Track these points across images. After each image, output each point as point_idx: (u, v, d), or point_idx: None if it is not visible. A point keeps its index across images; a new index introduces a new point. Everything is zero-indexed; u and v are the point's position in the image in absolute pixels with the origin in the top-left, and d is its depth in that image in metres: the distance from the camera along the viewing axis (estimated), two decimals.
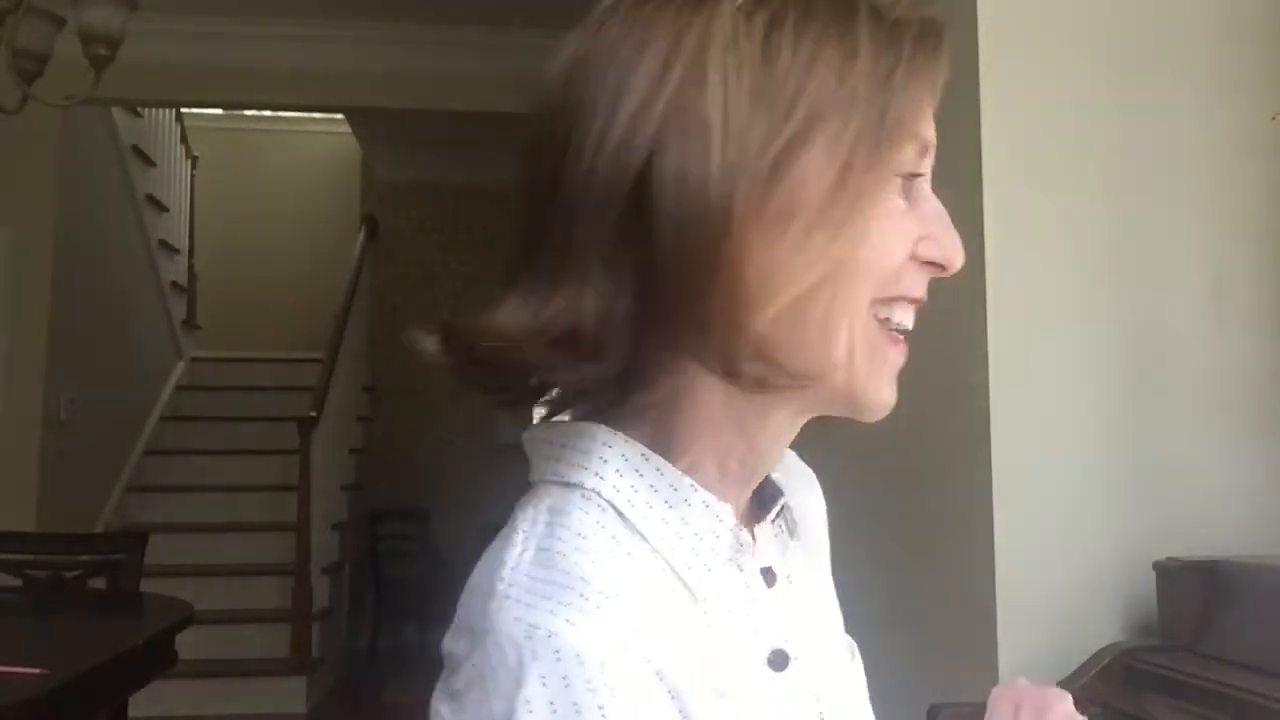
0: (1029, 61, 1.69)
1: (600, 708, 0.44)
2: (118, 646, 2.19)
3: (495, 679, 0.46)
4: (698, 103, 0.49)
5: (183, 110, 6.58)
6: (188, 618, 2.63)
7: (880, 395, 0.55)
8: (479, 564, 0.53)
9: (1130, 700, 1.39)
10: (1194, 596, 1.44)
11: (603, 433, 0.54)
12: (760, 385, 0.52)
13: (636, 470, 0.53)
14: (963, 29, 1.68)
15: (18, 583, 2.93)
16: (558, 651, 0.45)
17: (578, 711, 0.44)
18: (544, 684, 0.45)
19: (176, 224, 6.66)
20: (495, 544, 0.53)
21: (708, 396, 0.54)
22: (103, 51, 2.72)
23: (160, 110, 6.21)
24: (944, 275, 0.55)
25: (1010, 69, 1.66)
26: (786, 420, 0.57)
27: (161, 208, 6.28)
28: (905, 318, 0.55)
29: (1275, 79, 1.69)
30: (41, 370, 4.57)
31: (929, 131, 0.54)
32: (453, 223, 7.37)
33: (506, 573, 0.50)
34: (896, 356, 0.55)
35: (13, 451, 4.50)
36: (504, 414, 0.60)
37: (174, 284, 6.56)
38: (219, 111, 6.96)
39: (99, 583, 2.99)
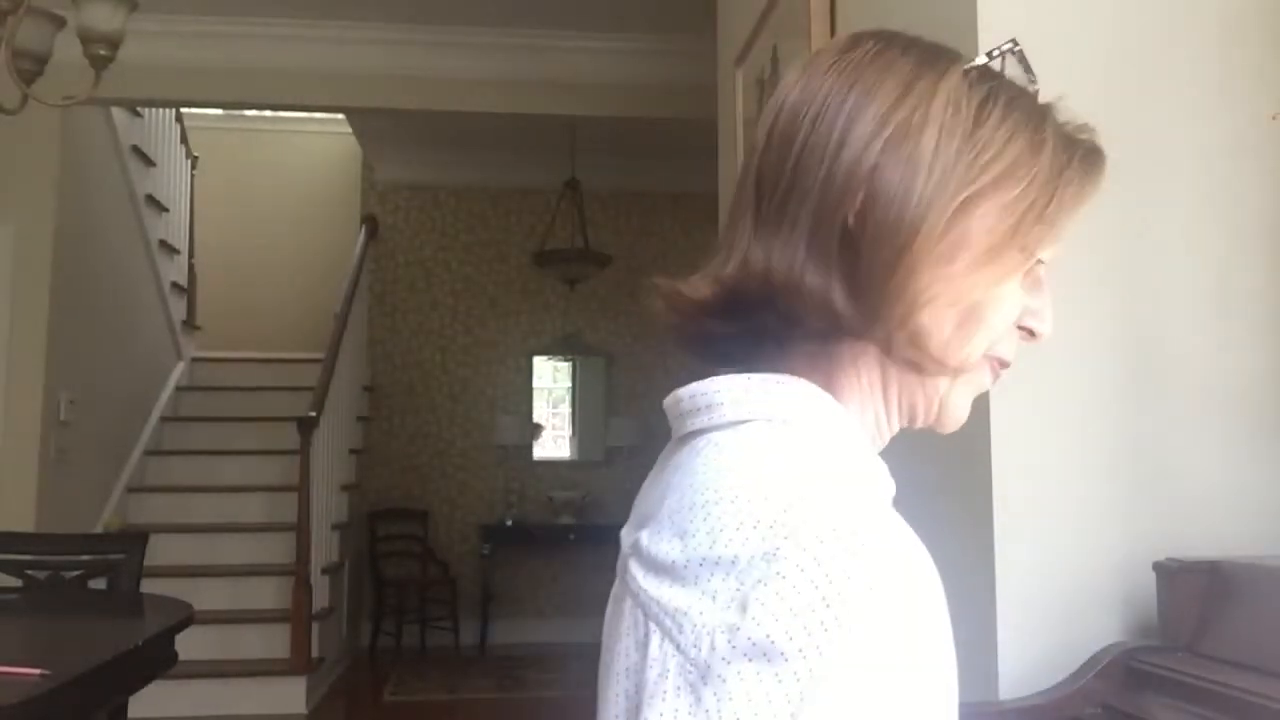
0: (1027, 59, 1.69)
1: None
2: (118, 646, 2.19)
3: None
4: (917, 138, 0.62)
5: (183, 110, 6.58)
6: (188, 618, 2.63)
7: (963, 409, 0.70)
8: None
9: (1130, 700, 1.39)
10: (1194, 596, 1.44)
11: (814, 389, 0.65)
12: (909, 365, 0.66)
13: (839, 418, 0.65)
14: (962, 29, 1.68)
15: (18, 583, 2.93)
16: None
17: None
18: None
19: (176, 224, 6.66)
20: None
21: (867, 375, 0.67)
22: (103, 51, 2.71)
23: (160, 110, 6.21)
24: (1034, 342, 0.71)
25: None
26: (897, 416, 0.69)
27: (161, 208, 6.28)
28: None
29: (1275, 79, 1.69)
30: (41, 370, 4.57)
31: (1066, 231, 0.67)
32: (453, 223, 7.38)
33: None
34: (987, 383, 0.70)
35: (13, 451, 4.50)
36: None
37: (174, 284, 6.56)
38: (219, 111, 6.96)
39: (99, 583, 2.99)
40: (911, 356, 0.65)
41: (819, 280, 0.63)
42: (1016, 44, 0.68)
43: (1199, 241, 1.68)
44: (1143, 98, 1.69)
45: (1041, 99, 0.68)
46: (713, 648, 0.52)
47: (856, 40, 0.67)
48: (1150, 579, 1.51)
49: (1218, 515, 1.62)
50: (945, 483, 1.69)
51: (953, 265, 0.63)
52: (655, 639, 0.56)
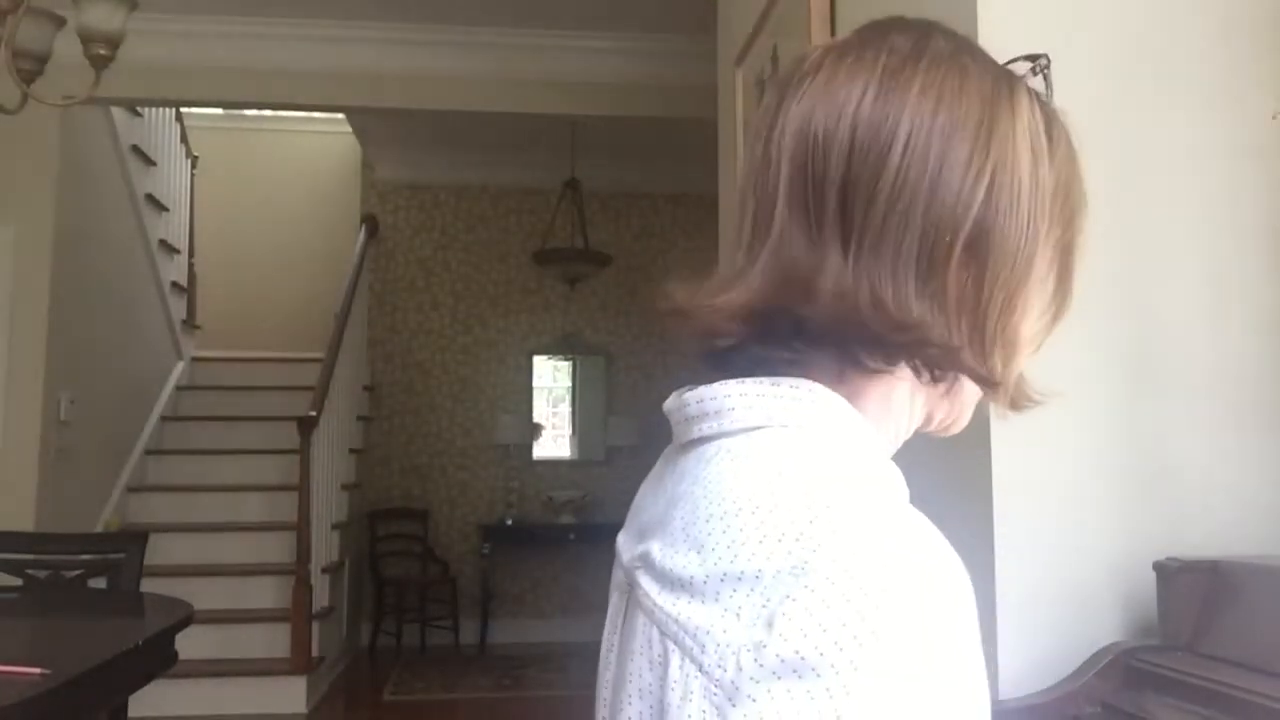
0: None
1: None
2: (118, 646, 2.19)
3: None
4: (1011, 187, 0.61)
5: (183, 110, 6.58)
6: (188, 618, 2.63)
7: (971, 413, 0.71)
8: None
9: (1130, 700, 1.39)
10: (1194, 596, 1.44)
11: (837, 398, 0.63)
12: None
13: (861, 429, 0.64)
14: (962, 29, 1.68)
15: (18, 582, 2.93)
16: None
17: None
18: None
19: (176, 224, 6.66)
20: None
21: (898, 387, 0.65)
22: (103, 51, 2.71)
23: (160, 110, 6.21)
24: None
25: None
26: (917, 424, 0.68)
27: (161, 208, 6.28)
28: None
29: (1275, 79, 1.69)
30: (41, 370, 4.57)
31: None
32: (452, 222, 7.38)
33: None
34: None
35: (13, 451, 4.50)
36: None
37: (174, 284, 6.56)
38: (219, 111, 6.96)
39: (99, 583, 2.99)
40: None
41: (940, 320, 0.60)
42: (1049, 61, 0.68)
43: (1199, 241, 1.68)
44: (1143, 97, 1.69)
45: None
46: (739, 667, 0.50)
47: (921, 42, 0.64)
48: (1150, 579, 1.51)
49: (1218, 515, 1.62)
50: (945, 483, 1.69)
51: (1039, 299, 0.65)
52: (675, 659, 0.54)
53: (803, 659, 0.48)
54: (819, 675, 0.48)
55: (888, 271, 0.60)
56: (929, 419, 0.68)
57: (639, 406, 7.15)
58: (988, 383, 0.62)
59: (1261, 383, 1.66)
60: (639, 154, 6.86)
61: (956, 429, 0.70)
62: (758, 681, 0.49)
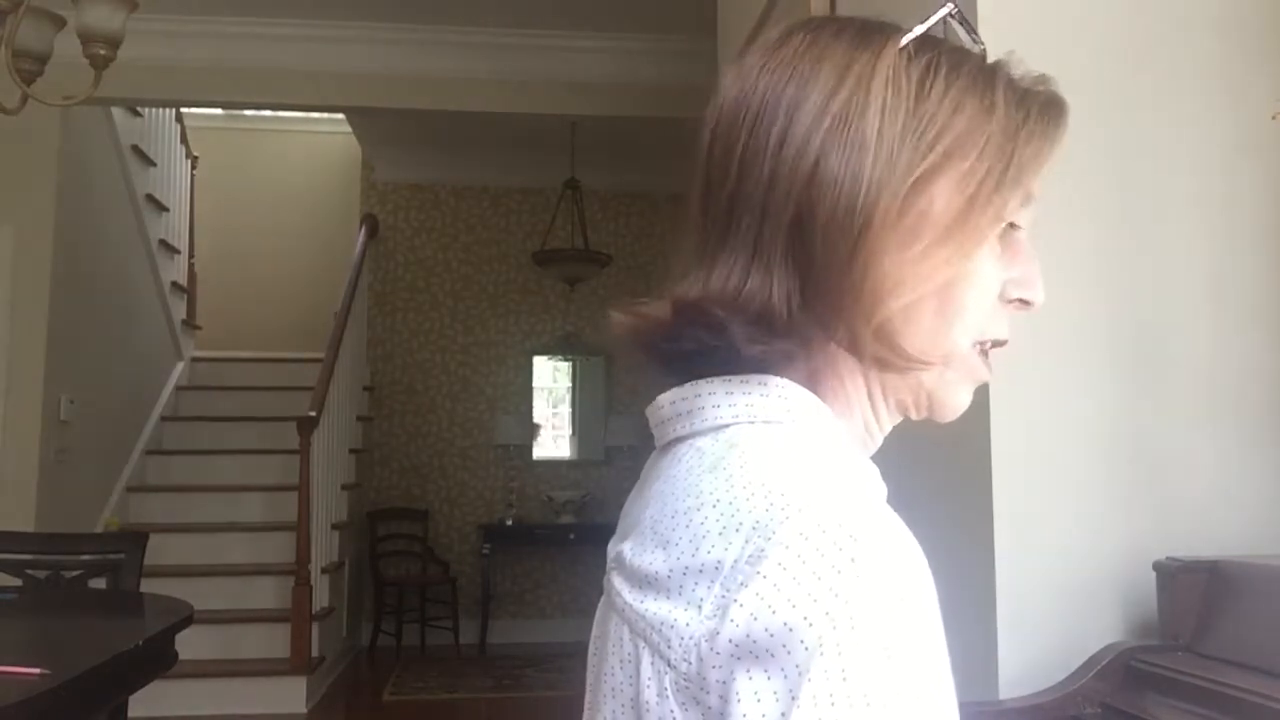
0: (1030, 59, 1.69)
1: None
2: (118, 646, 2.18)
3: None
4: (859, 123, 0.59)
5: (183, 110, 6.58)
6: (188, 618, 2.62)
7: (958, 399, 0.67)
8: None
9: (1130, 700, 1.39)
10: (1194, 596, 1.44)
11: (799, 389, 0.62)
12: (880, 364, 0.63)
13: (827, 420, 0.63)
14: None
15: (18, 582, 2.93)
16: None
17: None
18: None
19: (176, 224, 6.66)
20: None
21: (849, 377, 0.64)
22: (103, 51, 2.71)
23: (160, 110, 6.21)
24: (1029, 311, 0.67)
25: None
26: (887, 414, 0.66)
27: (161, 208, 6.28)
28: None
29: (1275, 79, 1.69)
30: (41, 370, 4.57)
31: (1036, 188, 0.64)
32: (453, 222, 7.38)
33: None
34: (984, 371, 0.67)
35: (13, 451, 4.51)
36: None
37: (174, 284, 6.56)
38: (219, 111, 6.96)
39: (99, 583, 2.99)
40: (881, 354, 0.62)
41: (758, 283, 0.60)
42: (955, 7, 0.65)
43: (1200, 241, 1.68)
44: (1144, 97, 1.69)
45: (993, 57, 0.65)
46: (700, 658, 0.51)
47: (787, 35, 0.65)
48: (1150, 579, 1.51)
49: (1218, 515, 1.62)
50: (945, 483, 1.69)
51: (914, 249, 0.60)
52: (646, 657, 0.54)
53: (755, 641, 0.49)
54: (773, 656, 0.49)
55: (726, 252, 0.61)
56: (904, 408, 0.67)
57: (639, 406, 7.12)
58: (809, 343, 0.61)
59: (1261, 383, 1.66)
60: (639, 154, 6.86)
61: (948, 415, 0.67)
62: (718, 668, 0.51)
